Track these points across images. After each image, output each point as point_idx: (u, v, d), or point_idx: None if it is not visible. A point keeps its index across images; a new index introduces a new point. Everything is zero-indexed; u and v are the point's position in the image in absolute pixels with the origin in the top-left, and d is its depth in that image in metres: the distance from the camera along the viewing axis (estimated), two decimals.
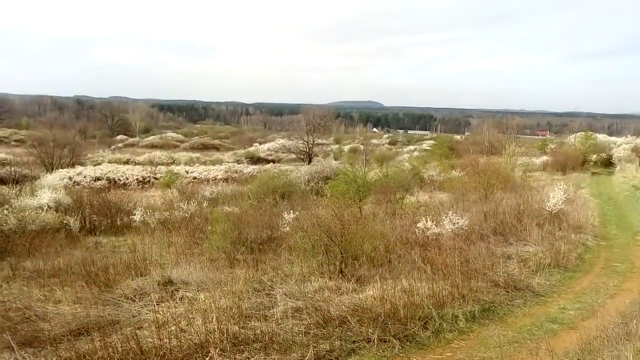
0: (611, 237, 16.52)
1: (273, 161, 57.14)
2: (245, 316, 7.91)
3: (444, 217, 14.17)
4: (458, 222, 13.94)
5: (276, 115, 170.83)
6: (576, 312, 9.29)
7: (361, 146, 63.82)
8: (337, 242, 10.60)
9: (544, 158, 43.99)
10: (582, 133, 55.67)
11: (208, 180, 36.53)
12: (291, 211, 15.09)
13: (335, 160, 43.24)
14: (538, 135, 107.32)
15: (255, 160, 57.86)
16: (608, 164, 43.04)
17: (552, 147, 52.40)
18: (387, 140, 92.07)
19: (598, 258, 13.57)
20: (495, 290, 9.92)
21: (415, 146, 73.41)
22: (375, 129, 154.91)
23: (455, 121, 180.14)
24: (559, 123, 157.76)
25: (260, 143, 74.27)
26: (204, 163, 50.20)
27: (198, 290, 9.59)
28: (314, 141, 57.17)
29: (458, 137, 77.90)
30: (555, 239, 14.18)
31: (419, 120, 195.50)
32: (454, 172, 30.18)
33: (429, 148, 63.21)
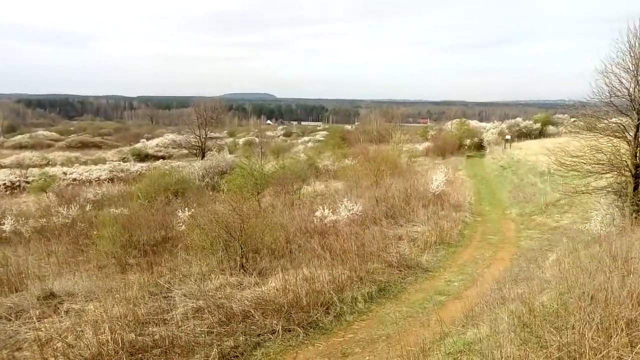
0: (485, 213, 18.46)
1: (163, 157, 54.36)
2: (142, 322, 7.47)
3: (339, 205, 14.67)
4: (353, 209, 14.53)
5: (164, 109, 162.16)
6: (460, 283, 10.25)
7: (256, 139, 63.37)
8: (237, 237, 10.43)
9: (426, 144, 47.50)
10: (457, 120, 61.01)
11: (90, 182, 33.62)
12: (186, 209, 14.53)
13: (230, 153, 42.38)
14: (420, 123, 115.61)
15: (143, 157, 54.51)
16: (480, 147, 47.79)
17: (433, 133, 56.72)
18: (282, 132, 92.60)
19: (475, 233, 15.08)
20: (390, 270, 10.55)
21: (309, 137, 74.76)
22: (269, 121, 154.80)
23: (345, 112, 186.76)
24: (437, 111, 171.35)
25: (148, 139, 70.09)
26: (85, 163, 46.12)
27: (86, 301, 8.83)
28: (206, 135, 55.31)
29: (349, 127, 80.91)
30: (439, 218, 15.45)
31: (311, 111, 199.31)
32: (346, 160, 31.32)
33: (322, 139, 64.76)
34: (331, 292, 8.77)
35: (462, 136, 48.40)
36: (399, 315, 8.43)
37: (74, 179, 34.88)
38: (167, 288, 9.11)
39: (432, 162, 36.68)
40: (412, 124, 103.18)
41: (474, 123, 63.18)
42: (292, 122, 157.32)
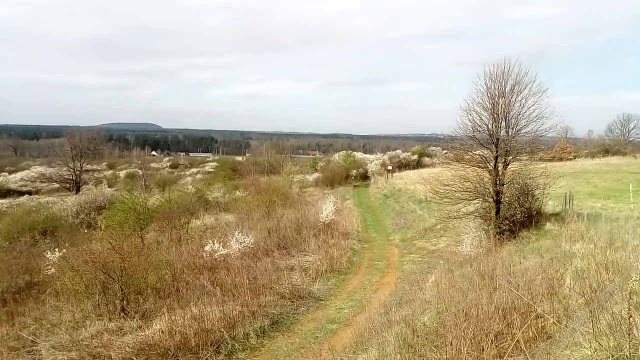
0: (372, 239, 19.37)
1: (29, 193, 48.54)
2: None
3: (230, 238, 14.33)
4: (244, 241, 14.28)
5: (31, 139, 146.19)
6: (350, 309, 10.53)
7: (139, 171, 59.86)
8: (117, 278, 9.60)
9: (316, 175, 48.88)
10: (344, 152, 63.95)
11: None
12: (56, 250, 13.03)
13: (109, 187, 39.34)
14: (309, 155, 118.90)
15: (3, 193, 48.18)
16: (365, 177, 50.47)
17: (321, 165, 58.63)
18: (169, 164, 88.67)
19: (363, 259, 15.70)
20: (282, 302, 10.49)
21: (198, 169, 72.61)
22: (154, 152, 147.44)
23: (236, 143, 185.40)
24: (325, 143, 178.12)
25: (10, 172, 62.33)
26: None
27: None
28: (82, 167, 50.92)
29: (240, 158, 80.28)
30: (329, 246, 15.83)
31: (200, 142, 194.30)
32: (238, 192, 30.90)
33: (212, 170, 63.35)
34: (222, 329, 8.43)
35: (349, 167, 50.72)
36: (291, 348, 8.36)
37: None
38: (32, 341, 8.01)
39: (321, 192, 37.73)
40: (302, 156, 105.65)
41: (359, 155, 66.63)
42: (179, 153, 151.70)
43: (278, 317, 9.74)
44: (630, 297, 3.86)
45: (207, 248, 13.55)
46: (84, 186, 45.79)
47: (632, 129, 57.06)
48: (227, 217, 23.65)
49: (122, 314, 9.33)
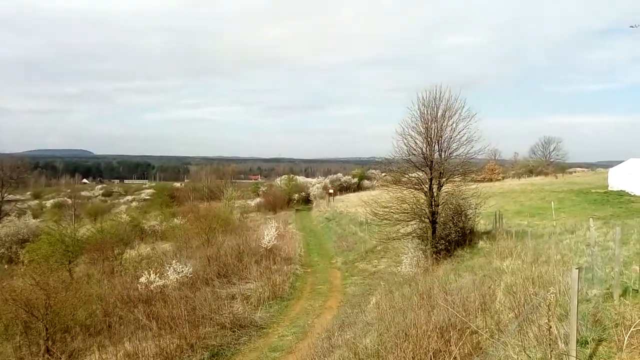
0: (314, 263, 19.36)
1: None
2: None
3: (167, 268, 13.78)
4: (182, 271, 13.79)
5: None
6: (292, 336, 10.38)
7: (69, 200, 56.56)
8: (41, 316, 8.91)
9: (258, 200, 48.46)
10: (286, 176, 64.07)
11: None
12: None
13: (34, 218, 36.79)
14: (251, 180, 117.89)
15: None
16: (307, 201, 50.70)
17: (263, 189, 58.31)
18: (101, 192, 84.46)
19: (306, 284, 15.62)
20: (223, 332, 10.15)
21: (133, 196, 69.68)
22: (85, 180, 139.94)
23: (174, 169, 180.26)
24: (267, 167, 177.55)
25: None
26: None
27: None
28: (3, 197, 47.30)
29: (178, 184, 78.01)
30: (272, 272, 15.63)
31: (135, 168, 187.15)
32: (175, 220, 29.91)
33: (148, 197, 61.00)
34: None
35: (291, 191, 50.80)
36: None
37: None
38: None
39: (263, 216, 37.40)
40: (243, 181, 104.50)
41: (301, 179, 67.02)
42: (113, 180, 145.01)
43: (218, 348, 9.41)
44: (549, 309, 4.10)
45: (142, 279, 12.95)
46: (5, 217, 42.51)
47: (552, 150, 61.73)
48: (164, 246, 22.79)
49: (46, 355, 8.64)
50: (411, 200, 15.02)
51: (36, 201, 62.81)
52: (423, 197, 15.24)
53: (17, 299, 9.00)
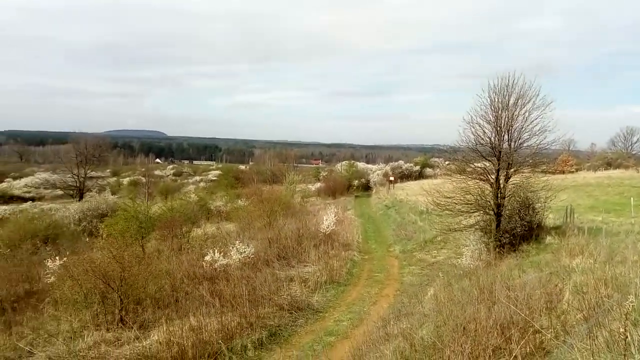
0: (372, 250, 19.31)
1: (32, 199, 48.79)
2: None
3: (231, 247, 14.33)
4: (245, 251, 14.27)
5: (36, 145, 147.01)
6: (348, 322, 10.48)
7: (143, 178, 60.05)
8: (116, 287, 9.62)
9: (318, 185, 48.92)
10: (347, 162, 64.08)
11: None
12: (57, 258, 13.06)
13: (113, 194, 39.48)
14: (312, 164, 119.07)
15: (7, 199, 48.43)
16: (367, 187, 50.48)
17: (324, 174, 58.73)
18: (172, 172, 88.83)
19: (363, 270, 15.65)
20: (281, 313, 10.45)
21: (201, 177, 72.72)
22: (158, 160, 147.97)
23: (239, 151, 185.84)
24: (328, 153, 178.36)
25: (15, 178, 62.70)
26: None
27: None
28: (86, 174, 51.13)
29: (243, 167, 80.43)
30: (330, 257, 15.80)
31: (204, 150, 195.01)
32: (239, 201, 30.93)
33: (215, 178, 63.44)
34: (220, 341, 8.41)
35: (351, 177, 50.77)
36: None
37: None
38: (29, 351, 8.01)
39: (323, 202, 37.74)
40: (305, 165, 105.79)
41: (361, 165, 66.76)
42: (183, 161, 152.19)
43: (276, 329, 9.70)
44: (626, 316, 3.85)
45: (207, 258, 13.54)
46: (87, 193, 45.98)
47: (635, 142, 57.09)
48: (229, 227, 23.67)
49: (120, 324, 9.34)
50: (475, 191, 14.50)
51: (114, 178, 67.21)
52: (488, 188, 14.66)
53: (96, 270, 9.76)
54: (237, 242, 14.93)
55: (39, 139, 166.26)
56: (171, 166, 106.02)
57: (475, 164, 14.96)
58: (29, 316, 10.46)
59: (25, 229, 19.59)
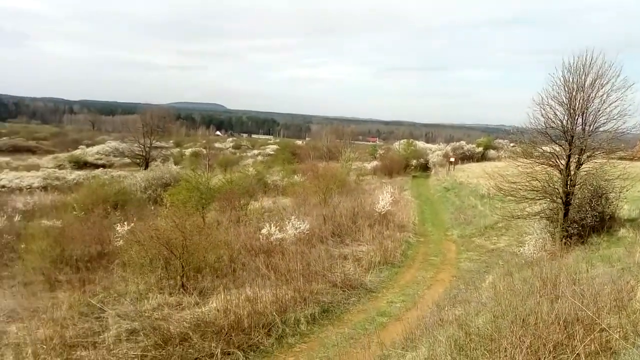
0: (428, 233, 18.97)
1: (103, 166, 51.94)
2: (70, 346, 7.02)
3: (286, 222, 14.57)
4: (300, 227, 14.47)
5: (107, 115, 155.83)
6: (401, 304, 10.41)
7: (204, 150, 62.10)
8: (178, 255, 10.08)
9: (374, 163, 48.40)
10: (405, 140, 62.79)
11: (21, 189, 31.49)
12: (125, 223, 13.87)
13: (175, 164, 41.19)
14: (369, 142, 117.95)
15: (81, 165, 51.86)
16: (425, 168, 49.31)
17: (381, 152, 57.98)
18: (231, 144, 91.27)
19: (418, 253, 15.43)
20: (334, 290, 10.55)
21: (259, 150, 74.20)
22: (218, 132, 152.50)
23: (297, 126, 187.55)
24: (386, 130, 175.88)
25: (88, 145, 66.90)
26: (16, 168, 43.23)
27: (8, 322, 8.18)
28: (151, 144, 53.62)
29: (300, 142, 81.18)
30: (384, 237, 15.70)
31: (262, 124, 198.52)
32: (296, 177, 31.30)
33: (272, 153, 64.50)
34: (274, 313, 8.63)
35: (409, 157, 49.74)
36: (340, 337, 8.41)
37: (3, 186, 32.56)
38: (100, 308, 8.62)
39: (379, 181, 37.39)
40: (361, 142, 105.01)
41: (420, 144, 65.20)
42: (242, 134, 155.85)
43: (329, 305, 9.82)
44: None
45: (263, 231, 13.87)
46: (152, 162, 48.27)
47: None
48: (284, 201, 24.05)
49: (181, 289, 9.81)
50: (543, 177, 13.71)
51: (177, 149, 69.94)
52: (557, 174, 13.83)
53: (160, 237, 10.25)
54: (292, 217, 15.15)
55: (110, 109, 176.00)
56: (230, 139, 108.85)
57: (544, 148, 14.12)
58: (101, 276, 11.23)
59: (97, 194, 20.90)
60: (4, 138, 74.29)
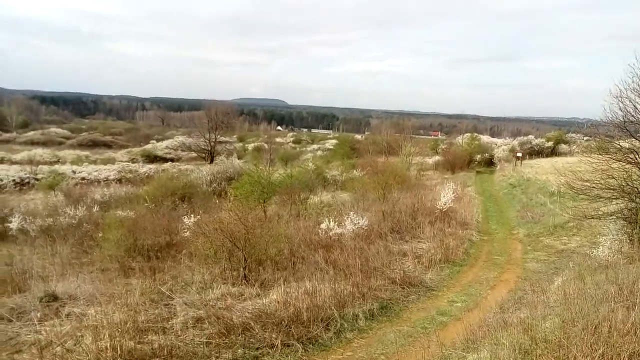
0: (492, 231, 18.28)
1: (172, 160, 54.68)
2: (142, 330, 7.46)
3: (345, 217, 14.62)
4: (359, 222, 14.47)
5: (175, 111, 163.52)
6: (462, 304, 10.14)
7: (265, 145, 63.45)
8: (241, 247, 10.43)
9: (436, 158, 47.27)
10: (469, 134, 60.68)
11: (99, 181, 33.90)
12: (192, 215, 14.55)
13: (238, 159, 42.50)
14: (431, 136, 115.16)
15: (152, 159, 54.89)
16: (490, 163, 47.41)
17: (443, 147, 56.45)
18: (292, 139, 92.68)
19: (481, 252, 14.93)
20: (393, 287, 10.47)
21: (318, 145, 74.80)
22: (279, 127, 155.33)
23: (356, 121, 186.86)
24: (449, 124, 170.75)
25: (158, 140, 70.66)
26: (94, 162, 46.56)
27: (87, 305, 8.85)
28: (216, 139, 55.66)
29: (359, 136, 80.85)
30: (445, 235, 15.33)
31: (322, 119, 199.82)
32: (355, 172, 31.27)
33: (331, 147, 64.76)
34: (332, 307, 8.71)
35: (473, 151, 48.06)
36: (399, 335, 8.35)
37: (83, 178, 35.24)
38: (169, 296, 9.12)
39: (441, 176, 36.49)
40: (422, 136, 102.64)
41: (485, 138, 62.83)
42: (302, 129, 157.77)
43: (387, 302, 9.76)
44: None
45: (322, 226, 14.00)
46: (217, 157, 50.12)
47: None
48: (343, 196, 24.13)
49: (243, 280, 10.14)
50: (620, 175, 12.75)
51: (240, 144, 72.20)
52: (637, 172, 12.81)
53: (224, 229, 10.65)
54: (351, 212, 15.17)
55: (177, 106, 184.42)
56: (291, 134, 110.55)
57: (621, 143, 13.09)
58: (169, 265, 11.86)
59: (166, 187, 22.05)
60: (84, 134, 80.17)
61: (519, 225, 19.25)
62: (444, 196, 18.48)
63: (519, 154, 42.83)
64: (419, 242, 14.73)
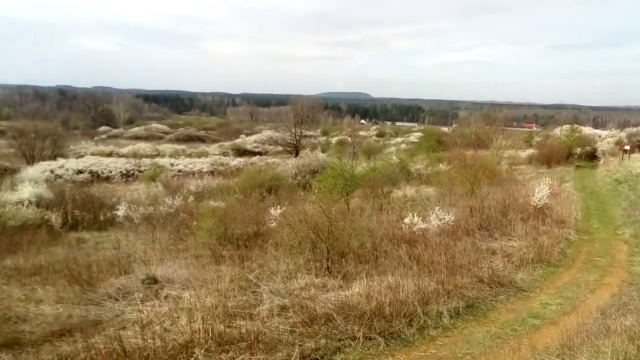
0: (593, 231, 16.79)
1: (260, 153, 56.92)
2: (231, 315, 7.88)
3: (430, 212, 14.24)
4: (444, 218, 14.02)
5: (263, 106, 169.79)
6: (557, 307, 9.44)
7: (349, 138, 63.76)
8: (324, 239, 10.59)
9: (530, 151, 44.33)
10: (568, 126, 56.14)
11: (193, 174, 36.30)
12: (278, 206, 15.05)
13: (322, 152, 43.11)
14: (524, 128, 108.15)
15: (241, 152, 57.54)
16: (592, 157, 43.48)
17: (538, 140, 52.81)
18: (375, 132, 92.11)
19: (580, 252, 13.78)
20: (480, 286, 10.02)
21: (402, 138, 73.54)
22: (363, 121, 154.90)
23: (443, 113, 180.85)
24: (545, 115, 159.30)
25: (247, 135, 73.82)
26: (189, 155, 49.85)
27: (183, 289, 9.53)
28: (301, 133, 56.96)
29: (445, 129, 78.24)
30: (539, 233, 14.34)
31: (407, 111, 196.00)
32: (440, 165, 30.33)
33: (416, 140, 63.37)
34: (415, 303, 8.55)
35: (572, 144, 44.40)
36: (486, 336, 7.99)
37: (179, 170, 37.92)
38: (256, 283, 9.53)
39: (535, 171, 34.19)
40: (515, 128, 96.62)
41: (586, 130, 57.83)
42: (386, 122, 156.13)
43: (474, 301, 9.37)
44: None
45: (406, 220, 13.76)
46: (302, 150, 51.31)
47: None
48: (428, 191, 23.52)
49: (326, 272, 10.30)
50: None
51: (324, 138, 73.22)
52: None
53: (309, 221, 10.88)
54: (436, 207, 14.75)
55: (265, 101, 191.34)
56: (374, 127, 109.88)
57: None
58: (256, 254, 12.37)
59: (254, 179, 23.01)
60: (181, 129, 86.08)
61: (624, 225, 17.46)
62: (539, 192, 17.27)
63: (627, 147, 38.73)
64: (509, 239, 13.94)
